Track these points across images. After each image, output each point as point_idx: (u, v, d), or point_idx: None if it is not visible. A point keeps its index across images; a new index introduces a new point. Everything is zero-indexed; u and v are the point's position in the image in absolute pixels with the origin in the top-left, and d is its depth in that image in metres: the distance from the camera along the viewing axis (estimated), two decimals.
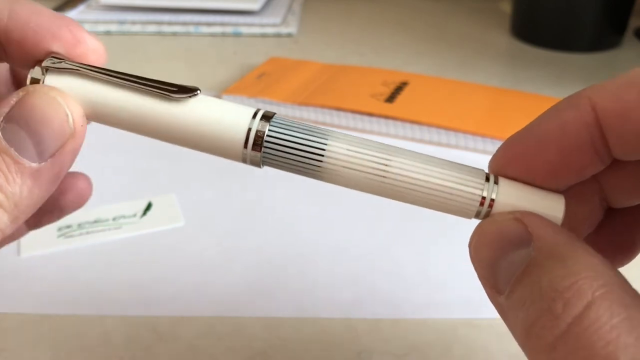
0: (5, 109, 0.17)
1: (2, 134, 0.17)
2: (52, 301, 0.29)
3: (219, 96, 0.49)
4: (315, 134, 0.18)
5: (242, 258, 0.33)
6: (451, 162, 0.18)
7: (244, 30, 0.67)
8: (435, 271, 0.32)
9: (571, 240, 0.15)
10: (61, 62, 0.18)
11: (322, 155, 0.17)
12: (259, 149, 0.18)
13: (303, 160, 0.18)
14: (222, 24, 0.67)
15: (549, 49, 0.62)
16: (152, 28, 0.66)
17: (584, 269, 0.14)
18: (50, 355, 0.27)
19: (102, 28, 0.66)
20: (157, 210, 0.36)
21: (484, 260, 0.16)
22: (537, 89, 0.52)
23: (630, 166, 0.18)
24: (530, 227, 0.15)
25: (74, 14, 0.68)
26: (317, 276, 0.31)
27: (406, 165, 0.17)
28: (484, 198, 0.17)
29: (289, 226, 0.35)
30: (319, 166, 0.18)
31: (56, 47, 0.18)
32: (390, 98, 0.47)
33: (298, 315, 0.29)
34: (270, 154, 0.18)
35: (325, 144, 0.18)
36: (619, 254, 0.20)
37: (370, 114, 0.45)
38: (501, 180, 0.17)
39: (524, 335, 0.14)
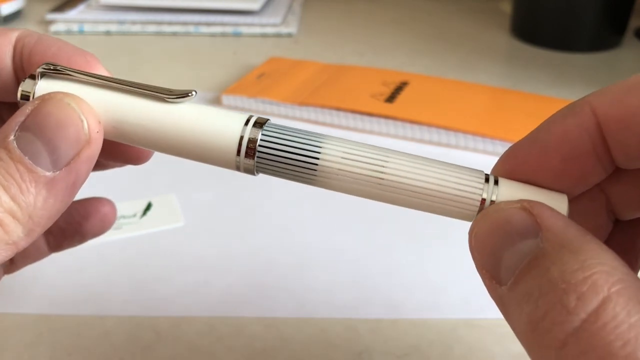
0: (21, 118, 0.17)
1: (16, 143, 0.16)
2: (52, 301, 0.29)
3: (218, 96, 0.49)
4: (309, 139, 0.17)
5: (242, 258, 0.33)
6: (449, 163, 0.17)
7: (244, 30, 0.67)
8: (435, 271, 0.32)
9: (583, 233, 0.14)
10: (56, 66, 0.18)
11: (317, 159, 0.17)
12: (252, 157, 0.17)
13: (298, 166, 0.17)
14: (222, 24, 0.67)
15: (549, 49, 0.62)
16: (152, 28, 0.66)
17: (598, 263, 0.13)
18: (50, 355, 0.27)
19: (102, 28, 0.66)
20: (157, 210, 0.36)
21: (487, 249, 0.15)
22: (537, 89, 0.52)
23: (634, 175, 0.17)
24: (539, 218, 0.15)
25: (73, 13, 0.68)
26: (317, 276, 0.31)
27: (403, 167, 0.17)
28: (484, 200, 0.16)
29: (289, 226, 0.35)
30: (314, 171, 0.17)
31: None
32: (390, 98, 0.47)
33: (298, 315, 0.29)
34: (264, 161, 0.17)
35: (320, 148, 0.17)
36: (629, 259, 0.19)
37: (370, 114, 0.45)
38: (501, 180, 0.17)
39: (530, 329, 0.13)
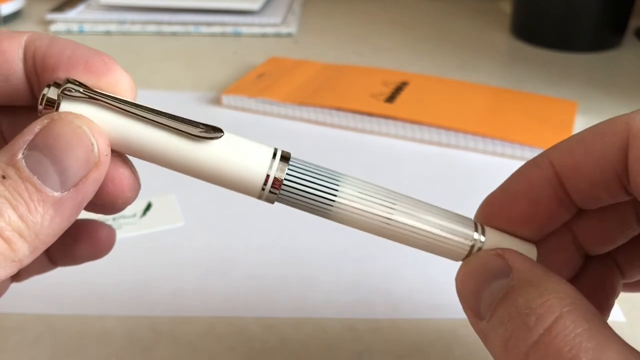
0: (29, 136, 0.17)
1: (25, 162, 0.16)
2: (52, 301, 0.29)
3: (219, 97, 0.49)
4: (329, 178, 0.19)
5: (242, 258, 0.33)
6: (447, 211, 0.20)
7: (244, 30, 0.67)
8: (435, 271, 0.32)
9: (545, 271, 0.17)
10: (79, 88, 0.17)
11: (334, 200, 0.19)
12: (276, 192, 0.19)
13: (316, 202, 0.19)
14: (222, 24, 0.67)
15: (549, 49, 0.62)
16: (151, 28, 0.66)
17: (554, 291, 0.16)
18: (50, 355, 0.27)
19: (102, 28, 0.66)
20: (157, 210, 0.36)
21: (469, 290, 0.18)
22: (537, 89, 0.52)
23: (595, 214, 0.20)
24: (510, 261, 0.18)
25: (73, 14, 0.68)
26: (317, 276, 0.31)
27: (409, 212, 0.19)
28: (472, 246, 0.19)
29: (289, 226, 0.35)
30: (330, 207, 0.19)
31: (87, 74, 0.18)
32: (390, 98, 0.47)
33: (298, 315, 0.29)
34: (286, 194, 0.19)
35: (338, 188, 0.19)
36: (599, 300, 0.21)
37: (370, 114, 0.45)
38: (487, 230, 0.20)
39: (502, 349, 0.16)
